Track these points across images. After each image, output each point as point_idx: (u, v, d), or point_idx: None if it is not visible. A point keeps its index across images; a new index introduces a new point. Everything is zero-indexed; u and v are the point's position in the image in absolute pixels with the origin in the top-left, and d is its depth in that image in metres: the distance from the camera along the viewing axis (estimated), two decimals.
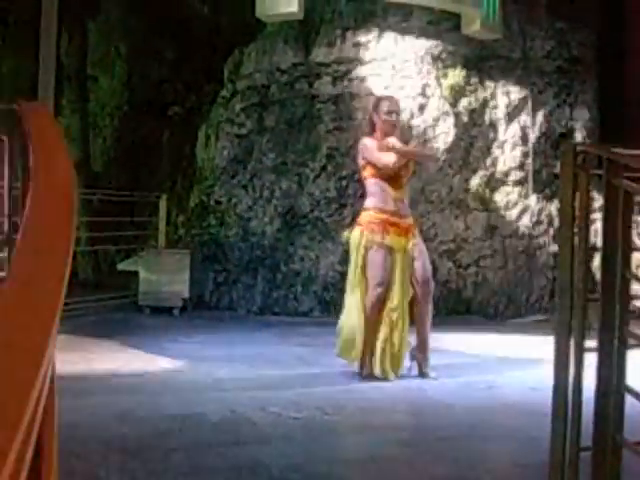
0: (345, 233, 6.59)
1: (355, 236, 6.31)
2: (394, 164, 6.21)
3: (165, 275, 10.34)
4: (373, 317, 6.19)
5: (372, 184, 6.31)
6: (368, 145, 6.35)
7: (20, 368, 1.23)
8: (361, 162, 6.44)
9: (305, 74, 10.72)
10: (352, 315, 6.24)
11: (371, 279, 6.20)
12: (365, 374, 6.21)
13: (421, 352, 6.34)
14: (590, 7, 11.57)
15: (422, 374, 6.31)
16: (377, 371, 6.19)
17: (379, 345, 6.19)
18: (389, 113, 6.34)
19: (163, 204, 11.50)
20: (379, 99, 6.62)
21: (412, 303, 6.32)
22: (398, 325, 6.21)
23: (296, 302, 10.51)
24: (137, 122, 13.06)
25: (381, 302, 6.19)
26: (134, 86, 13.21)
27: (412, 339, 6.39)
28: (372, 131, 6.45)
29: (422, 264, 6.30)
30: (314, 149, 10.55)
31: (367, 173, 6.34)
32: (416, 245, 6.31)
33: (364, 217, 6.35)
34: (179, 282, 10.32)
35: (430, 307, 6.31)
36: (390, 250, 6.20)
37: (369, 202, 6.33)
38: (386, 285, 6.17)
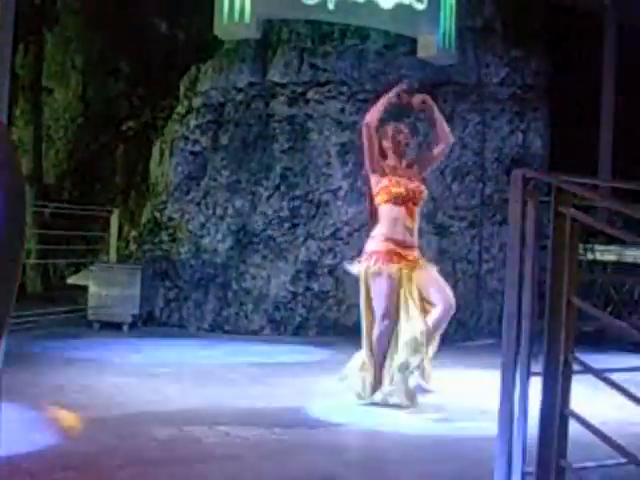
0: (355, 265, 6.26)
1: (359, 267, 6.14)
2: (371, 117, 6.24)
3: (115, 290, 10.26)
4: (381, 350, 6.02)
5: (385, 210, 6.13)
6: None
7: None
8: (374, 188, 6.24)
9: (261, 93, 10.74)
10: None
11: (376, 310, 6.04)
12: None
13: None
14: (544, 36, 11.79)
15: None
16: (394, 399, 5.97)
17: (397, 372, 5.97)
18: (393, 138, 6.31)
19: (115, 219, 11.42)
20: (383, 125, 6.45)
21: None
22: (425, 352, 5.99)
23: (247, 320, 10.49)
24: (91, 135, 12.99)
25: (389, 334, 5.99)
26: (89, 99, 13.15)
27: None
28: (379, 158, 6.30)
29: (439, 288, 6.17)
30: (268, 168, 10.57)
31: (380, 199, 6.18)
32: (427, 273, 6.14)
33: (370, 245, 6.18)
34: (129, 298, 10.25)
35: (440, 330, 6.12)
36: (395, 280, 5.99)
37: (378, 229, 6.16)
38: (393, 316, 5.98)
